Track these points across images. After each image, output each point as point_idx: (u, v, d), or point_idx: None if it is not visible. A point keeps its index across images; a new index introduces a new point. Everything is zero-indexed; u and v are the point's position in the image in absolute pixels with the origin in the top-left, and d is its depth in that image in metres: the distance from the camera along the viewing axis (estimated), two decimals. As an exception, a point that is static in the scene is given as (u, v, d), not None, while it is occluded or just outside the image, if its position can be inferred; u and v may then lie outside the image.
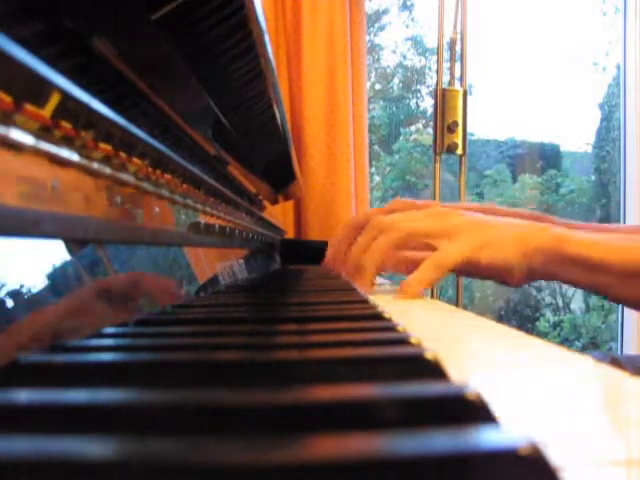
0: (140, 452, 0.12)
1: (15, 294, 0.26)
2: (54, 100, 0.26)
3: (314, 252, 1.44)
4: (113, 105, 0.32)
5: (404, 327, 0.28)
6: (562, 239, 0.65)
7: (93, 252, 0.35)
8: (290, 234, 1.61)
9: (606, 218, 3.07)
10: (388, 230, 0.66)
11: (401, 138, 3.62)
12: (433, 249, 0.65)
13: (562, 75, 3.59)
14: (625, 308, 2.14)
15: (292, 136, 1.02)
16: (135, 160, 0.37)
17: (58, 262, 0.31)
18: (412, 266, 0.72)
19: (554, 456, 0.12)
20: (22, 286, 0.27)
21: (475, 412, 0.15)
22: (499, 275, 0.67)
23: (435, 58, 1.71)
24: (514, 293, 3.37)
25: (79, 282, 0.32)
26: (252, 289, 0.68)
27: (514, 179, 3.64)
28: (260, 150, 0.85)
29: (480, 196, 3.49)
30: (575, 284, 0.69)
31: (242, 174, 0.83)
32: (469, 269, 0.66)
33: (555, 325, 3.30)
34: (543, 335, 3.07)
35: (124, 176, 0.35)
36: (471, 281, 3.32)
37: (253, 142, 0.78)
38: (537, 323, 3.31)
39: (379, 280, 0.83)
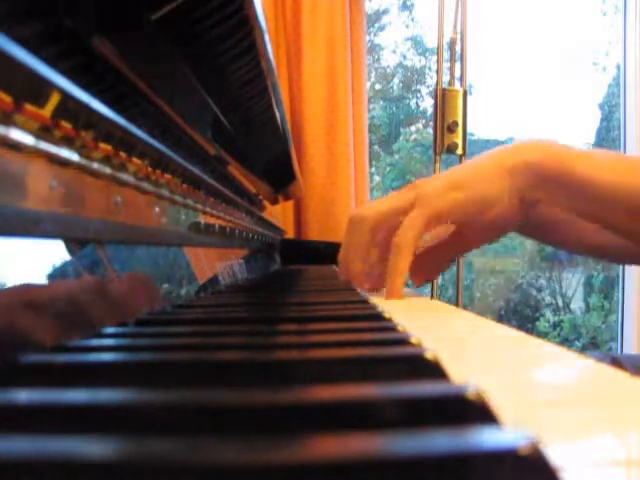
0: (140, 452, 0.12)
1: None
2: (54, 100, 0.26)
3: (314, 252, 1.44)
4: (113, 105, 0.32)
5: (404, 327, 0.28)
6: (554, 154, 0.55)
7: (93, 252, 0.35)
8: (290, 234, 1.61)
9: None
10: (355, 223, 0.61)
11: (401, 138, 3.62)
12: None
13: (562, 75, 3.59)
14: (625, 308, 2.14)
15: (292, 136, 1.02)
16: (135, 160, 0.37)
17: (58, 262, 0.31)
18: (430, 257, 0.66)
19: (554, 456, 0.12)
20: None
21: (475, 412, 0.15)
22: (475, 214, 0.57)
23: (435, 58, 1.71)
24: (514, 293, 3.37)
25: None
26: (252, 289, 0.68)
27: (514, 179, 3.63)
28: (260, 150, 0.85)
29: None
30: (569, 210, 0.59)
31: (242, 174, 0.83)
32: (437, 222, 0.57)
33: (555, 325, 3.30)
34: (543, 335, 3.07)
35: (124, 176, 0.35)
36: (471, 281, 3.32)
37: (253, 142, 0.77)
38: (537, 323, 3.31)
39: None
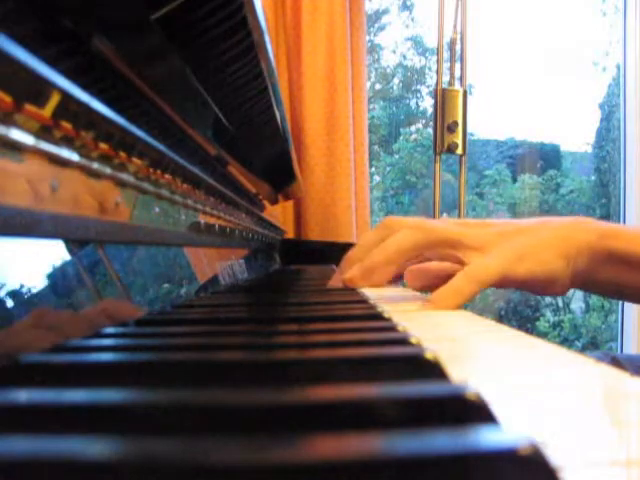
0: (140, 452, 0.12)
1: (15, 294, 0.26)
2: (54, 100, 0.26)
3: (314, 252, 1.45)
4: (113, 105, 0.32)
5: (404, 327, 0.28)
6: (607, 234, 0.57)
7: (93, 252, 0.35)
8: (290, 234, 1.61)
9: (606, 218, 3.06)
10: (413, 227, 0.58)
11: (401, 138, 3.62)
12: (458, 262, 0.58)
13: (562, 75, 3.59)
14: (625, 308, 2.14)
15: (292, 136, 1.02)
16: (135, 160, 0.37)
17: (58, 262, 0.31)
18: (436, 280, 0.64)
19: (554, 456, 0.12)
20: (22, 286, 0.27)
21: (475, 412, 0.15)
22: (540, 287, 0.59)
23: (435, 58, 1.71)
24: (514, 293, 3.37)
25: (79, 282, 0.32)
26: (252, 289, 0.68)
27: (514, 179, 3.64)
28: (260, 150, 0.85)
29: (480, 196, 3.49)
30: (620, 289, 0.61)
31: (242, 174, 0.83)
32: (505, 284, 0.57)
33: (555, 325, 3.30)
34: (543, 335, 3.07)
35: (124, 176, 0.35)
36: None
37: (253, 142, 0.77)
38: (537, 323, 3.31)
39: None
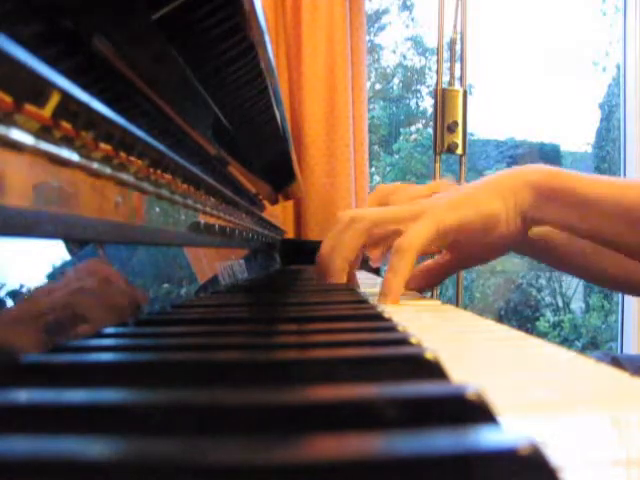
0: (140, 452, 0.12)
1: (15, 294, 0.26)
2: (54, 100, 0.26)
3: (314, 252, 1.44)
4: (113, 105, 0.32)
5: (404, 327, 0.28)
6: (550, 173, 0.57)
7: (93, 252, 0.35)
8: (290, 234, 1.61)
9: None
10: (352, 221, 0.60)
11: (401, 138, 3.62)
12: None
13: (562, 75, 3.59)
14: (625, 308, 2.14)
15: (292, 136, 1.02)
16: (135, 160, 0.37)
17: (58, 262, 0.31)
18: (428, 276, 0.68)
19: (554, 456, 0.12)
20: (22, 286, 0.27)
21: (475, 412, 0.15)
22: (482, 230, 0.58)
23: (435, 58, 1.71)
24: (514, 293, 3.37)
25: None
26: (252, 289, 0.68)
27: (514, 179, 3.63)
28: (260, 150, 0.85)
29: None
30: (571, 229, 0.60)
31: (242, 174, 0.83)
32: (443, 237, 0.58)
33: (555, 325, 3.30)
34: (543, 335, 3.07)
35: (124, 176, 0.35)
36: (471, 281, 3.32)
37: (253, 142, 0.77)
38: (537, 323, 3.31)
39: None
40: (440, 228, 0.57)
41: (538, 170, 0.58)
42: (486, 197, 0.58)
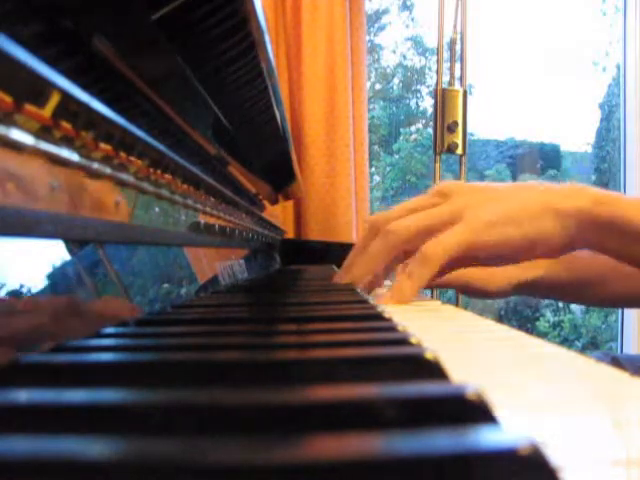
0: (140, 452, 0.12)
1: (15, 294, 0.26)
2: (54, 100, 0.26)
3: (314, 252, 1.45)
4: (113, 105, 0.32)
5: (404, 327, 0.28)
6: (600, 200, 0.54)
7: (93, 252, 0.35)
8: (290, 234, 1.61)
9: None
10: (384, 233, 0.57)
11: (401, 138, 3.62)
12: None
13: (562, 75, 3.59)
14: (625, 308, 2.14)
15: (292, 136, 1.02)
16: (135, 160, 0.37)
17: (58, 262, 0.31)
18: None
19: (554, 456, 0.12)
20: (22, 286, 0.27)
21: (475, 412, 0.15)
22: (516, 253, 0.55)
23: (435, 58, 1.71)
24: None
25: (79, 282, 0.32)
26: (252, 289, 0.68)
27: (514, 179, 3.64)
28: (260, 150, 0.85)
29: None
30: (618, 256, 0.58)
31: (242, 174, 0.83)
32: (475, 252, 0.54)
33: (555, 325, 3.30)
34: (543, 335, 3.07)
35: (124, 176, 0.35)
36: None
37: (253, 142, 0.77)
38: (537, 323, 3.31)
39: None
40: (476, 244, 0.53)
41: (584, 193, 0.56)
42: (534, 216, 0.54)
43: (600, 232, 0.55)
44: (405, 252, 0.59)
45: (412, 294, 0.54)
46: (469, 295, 0.67)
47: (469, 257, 0.56)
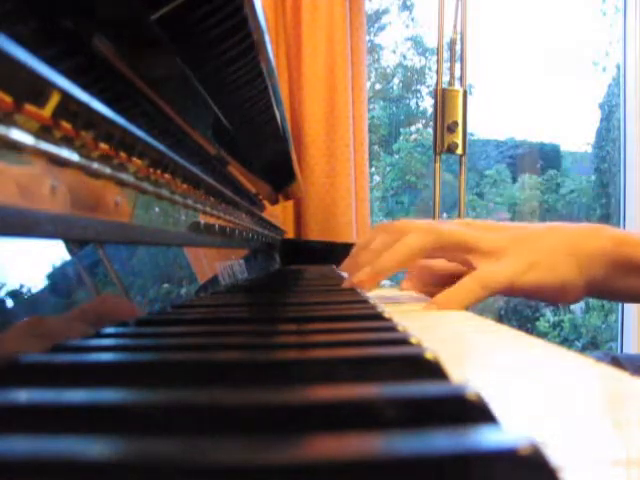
0: (140, 452, 0.12)
1: (15, 294, 0.26)
2: (54, 100, 0.26)
3: (314, 252, 1.44)
4: (113, 105, 0.32)
5: (404, 327, 0.28)
6: (623, 241, 0.56)
7: (93, 252, 0.35)
8: (290, 234, 1.61)
9: (606, 218, 3.06)
10: (423, 230, 0.56)
11: (401, 138, 3.62)
12: (465, 265, 0.57)
13: (562, 75, 3.59)
14: (625, 308, 2.14)
15: (292, 136, 1.02)
16: (135, 160, 0.37)
17: (58, 262, 0.31)
18: (436, 278, 0.64)
19: (554, 456, 0.12)
20: (22, 286, 0.27)
21: (475, 412, 0.15)
22: (550, 296, 0.58)
23: (435, 58, 1.71)
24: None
25: (79, 282, 0.32)
26: (252, 289, 0.68)
27: (514, 179, 3.64)
28: (260, 150, 0.85)
29: (480, 196, 3.49)
30: (633, 297, 0.59)
31: (242, 174, 0.83)
32: (514, 292, 0.56)
33: (555, 325, 3.30)
34: (543, 335, 3.07)
35: (124, 176, 0.35)
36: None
37: (253, 142, 0.77)
38: (537, 323, 3.31)
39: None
40: (516, 285, 0.55)
41: (610, 237, 0.57)
42: (562, 263, 0.56)
43: (620, 272, 0.56)
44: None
45: (459, 309, 0.54)
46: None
47: (509, 295, 0.58)
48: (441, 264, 0.65)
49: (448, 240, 0.56)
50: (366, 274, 0.57)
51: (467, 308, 0.55)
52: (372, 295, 0.55)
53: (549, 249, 0.56)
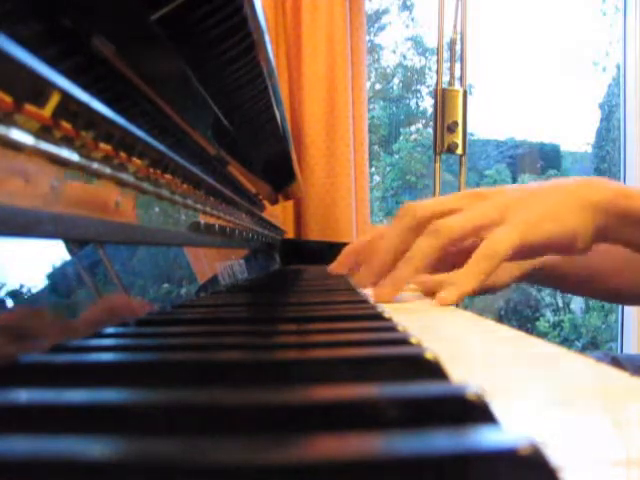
0: (140, 452, 0.12)
1: (15, 294, 0.26)
2: (54, 100, 0.26)
3: (314, 252, 1.45)
4: (113, 105, 0.32)
5: (404, 327, 0.28)
6: (623, 193, 0.57)
7: (93, 252, 0.35)
8: (290, 234, 1.61)
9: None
10: (433, 231, 0.55)
11: (401, 138, 3.62)
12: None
13: (562, 75, 3.59)
14: (625, 308, 2.14)
15: (292, 136, 1.02)
16: (135, 160, 0.37)
17: (58, 262, 0.31)
18: (450, 258, 0.61)
19: (554, 456, 0.12)
20: (22, 286, 0.27)
21: (475, 412, 0.15)
22: (560, 248, 0.57)
23: (435, 58, 1.71)
24: (514, 293, 3.37)
25: (79, 282, 0.32)
26: (252, 289, 0.68)
27: (514, 179, 3.64)
28: (260, 150, 0.85)
29: (480, 196, 3.48)
30: (632, 245, 0.60)
31: (242, 174, 0.83)
32: (525, 252, 0.55)
33: (555, 325, 3.30)
34: (543, 335, 3.07)
35: (124, 176, 0.35)
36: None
37: (253, 142, 0.78)
38: (537, 323, 3.31)
39: None
40: (525, 242, 0.54)
41: (611, 188, 0.58)
42: (570, 213, 0.56)
43: (629, 225, 0.57)
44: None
45: (468, 290, 0.53)
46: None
47: (522, 257, 0.57)
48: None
49: (460, 234, 0.55)
50: (388, 287, 0.56)
51: (483, 283, 0.53)
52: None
53: (554, 203, 0.57)
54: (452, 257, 0.61)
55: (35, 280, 0.28)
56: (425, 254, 0.55)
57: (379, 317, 0.34)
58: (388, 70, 3.75)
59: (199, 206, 0.54)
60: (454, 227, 0.55)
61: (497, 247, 0.53)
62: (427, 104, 3.74)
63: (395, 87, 3.77)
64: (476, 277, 0.53)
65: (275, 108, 0.68)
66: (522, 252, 0.55)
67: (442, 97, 1.64)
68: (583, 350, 3.04)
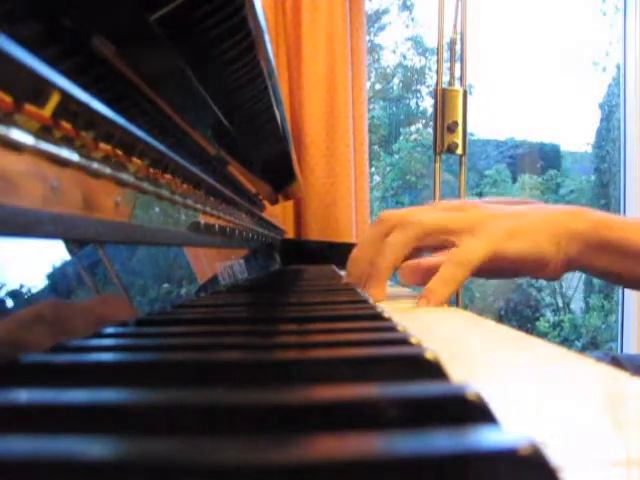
0: (140, 452, 0.12)
1: (15, 294, 0.26)
2: (54, 100, 0.26)
3: (314, 252, 1.45)
4: (113, 105, 0.32)
5: (404, 327, 0.28)
6: (599, 222, 0.58)
7: (93, 252, 0.35)
8: (290, 234, 1.61)
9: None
10: (403, 225, 0.57)
11: (401, 138, 3.62)
12: (454, 247, 0.57)
13: (562, 75, 3.60)
14: (625, 308, 2.14)
15: (292, 136, 1.02)
16: (135, 160, 0.37)
17: (58, 262, 0.31)
18: (429, 275, 0.63)
19: (554, 456, 0.12)
20: (22, 286, 0.27)
21: (475, 412, 0.15)
22: (531, 268, 0.58)
23: (435, 58, 1.71)
24: (514, 293, 3.37)
25: (79, 282, 0.32)
26: (252, 289, 0.68)
27: (514, 179, 3.64)
28: (260, 150, 0.85)
29: (480, 196, 3.49)
30: (617, 276, 0.61)
31: (242, 174, 0.83)
32: (496, 265, 0.56)
33: (555, 325, 3.30)
34: (543, 335, 3.07)
35: (124, 176, 0.35)
36: (471, 281, 3.31)
37: (253, 142, 0.78)
38: (537, 323, 3.31)
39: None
40: (497, 253, 0.55)
41: (592, 219, 0.58)
42: (542, 236, 0.57)
43: (602, 255, 0.58)
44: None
45: (444, 298, 0.54)
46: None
47: (492, 267, 0.58)
48: (428, 259, 0.65)
49: (430, 228, 0.57)
50: (374, 287, 0.57)
51: (455, 291, 0.55)
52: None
53: (530, 224, 0.57)
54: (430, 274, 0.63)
55: (35, 280, 0.28)
56: (396, 245, 0.57)
57: (379, 317, 0.34)
58: (388, 70, 3.75)
59: (199, 206, 0.54)
60: (424, 221, 0.57)
61: (469, 255, 0.54)
62: (427, 104, 3.74)
63: (395, 87, 3.77)
64: (449, 284, 0.54)
65: (275, 108, 0.68)
66: (492, 264, 0.56)
67: (442, 97, 1.64)
68: (583, 350, 3.04)
